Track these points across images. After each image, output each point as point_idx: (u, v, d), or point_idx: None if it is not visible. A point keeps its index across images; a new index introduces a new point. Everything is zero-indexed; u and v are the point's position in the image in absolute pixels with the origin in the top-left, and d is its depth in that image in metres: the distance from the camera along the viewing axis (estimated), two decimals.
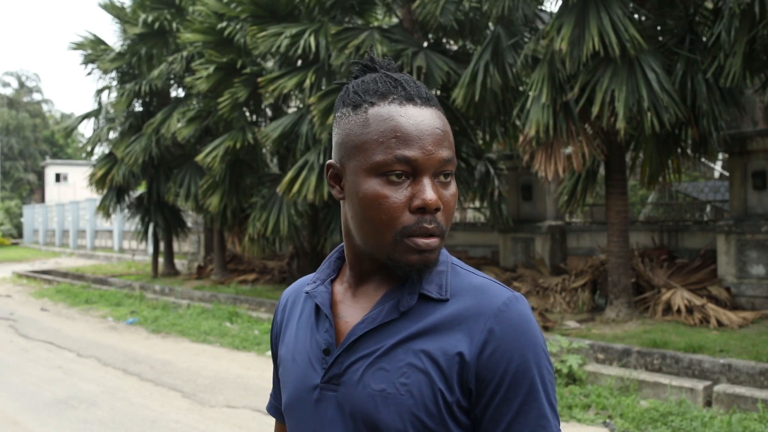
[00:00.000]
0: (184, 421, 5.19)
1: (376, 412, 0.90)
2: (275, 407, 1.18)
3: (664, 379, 5.43)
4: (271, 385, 5.13)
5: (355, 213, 0.93)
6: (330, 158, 1.03)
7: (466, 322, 0.91)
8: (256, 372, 6.75)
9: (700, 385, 5.27)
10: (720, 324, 7.08)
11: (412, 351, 0.90)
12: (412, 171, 0.89)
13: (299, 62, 10.07)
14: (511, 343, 0.89)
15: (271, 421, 5.13)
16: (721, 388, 5.16)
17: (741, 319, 7.10)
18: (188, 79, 11.46)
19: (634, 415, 4.84)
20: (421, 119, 0.90)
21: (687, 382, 5.34)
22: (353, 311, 0.98)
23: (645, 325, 7.26)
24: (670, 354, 5.83)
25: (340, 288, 1.03)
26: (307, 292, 1.04)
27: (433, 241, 0.90)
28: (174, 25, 12.97)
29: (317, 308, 1.02)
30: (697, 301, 7.39)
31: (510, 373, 0.88)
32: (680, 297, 7.51)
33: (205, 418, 5.26)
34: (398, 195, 0.89)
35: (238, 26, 10.59)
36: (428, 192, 0.89)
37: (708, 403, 5.19)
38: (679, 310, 7.44)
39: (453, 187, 0.93)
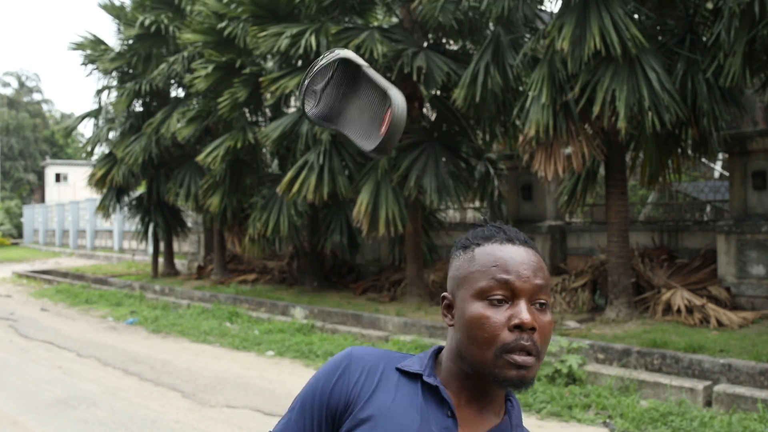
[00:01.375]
0: (184, 421, 5.19)
1: None
2: None
3: (664, 379, 5.43)
4: (271, 384, 5.07)
5: (462, 335, 1.06)
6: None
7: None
8: (256, 372, 6.75)
9: (700, 385, 5.27)
10: (720, 324, 7.08)
11: None
12: (511, 295, 1.03)
13: (299, 62, 10.07)
14: None
15: (272, 421, 5.12)
16: (721, 388, 5.16)
17: (741, 319, 7.10)
18: (187, 78, 11.46)
19: (634, 415, 4.84)
20: (518, 253, 1.07)
21: (687, 382, 5.34)
22: (468, 424, 1.09)
23: (645, 325, 7.26)
24: (670, 354, 5.83)
25: (450, 394, 1.13)
26: (430, 383, 1.10)
27: (529, 359, 1.02)
28: (171, 28, 12.96)
29: (426, 397, 1.09)
30: (697, 301, 7.39)
31: None
32: (680, 297, 7.51)
33: (205, 418, 5.25)
34: (499, 316, 1.03)
35: (239, 26, 10.59)
36: (524, 312, 1.02)
37: (708, 403, 5.19)
38: (679, 310, 7.44)
39: (549, 317, 1.06)
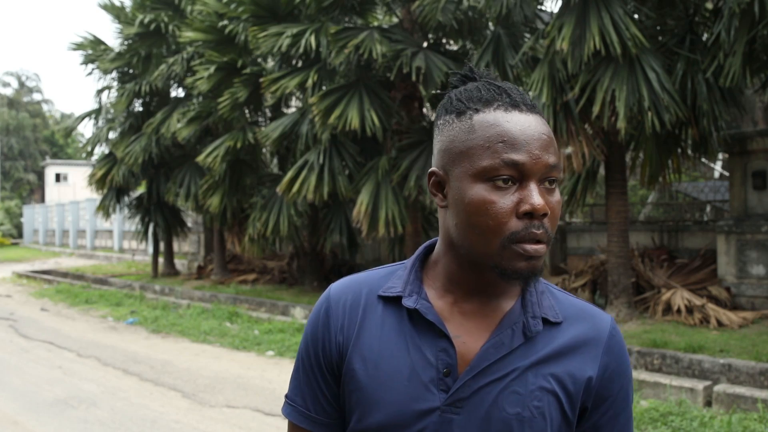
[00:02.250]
0: (184, 421, 5.19)
1: None
2: (311, 419, 1.03)
3: (664, 379, 5.43)
4: (271, 384, 5.09)
5: (460, 220, 0.92)
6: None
7: (586, 346, 0.98)
8: (256, 372, 6.75)
9: (700, 385, 5.27)
10: (720, 324, 7.08)
11: (542, 375, 0.94)
12: (519, 176, 0.89)
13: (300, 62, 10.07)
14: (621, 366, 1.00)
15: (272, 421, 5.13)
16: (721, 388, 5.16)
17: (741, 319, 7.10)
18: (189, 80, 11.46)
19: (634, 415, 4.84)
20: (528, 125, 0.90)
21: (687, 382, 5.34)
22: (467, 331, 0.96)
23: (645, 325, 7.26)
24: (670, 354, 5.83)
25: (440, 303, 0.98)
26: (409, 307, 0.97)
27: (540, 247, 0.89)
28: (170, 27, 12.96)
29: (414, 321, 0.97)
30: (697, 301, 7.39)
31: (621, 392, 1.00)
32: (680, 297, 7.51)
33: (205, 418, 5.26)
34: (505, 200, 0.89)
35: (239, 26, 10.59)
36: (536, 197, 0.88)
37: (708, 403, 5.19)
38: (679, 310, 7.44)
39: (558, 195, 0.93)
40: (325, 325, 1.03)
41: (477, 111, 0.92)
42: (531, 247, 0.89)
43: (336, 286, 1.07)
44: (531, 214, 0.88)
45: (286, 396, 1.07)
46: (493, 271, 0.91)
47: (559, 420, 0.94)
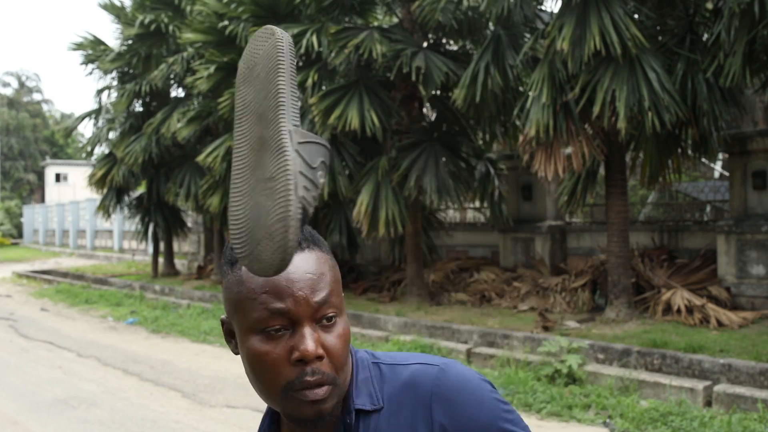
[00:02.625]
0: (184, 421, 5.19)
1: None
2: None
3: (664, 379, 5.43)
4: None
5: (247, 371, 0.91)
6: None
7: (413, 417, 0.91)
8: None
9: (700, 385, 5.27)
10: (720, 324, 7.07)
11: None
12: (290, 323, 0.87)
13: (300, 62, 10.07)
14: (464, 414, 0.90)
15: None
16: (721, 388, 5.16)
17: (741, 319, 7.10)
18: (189, 80, 11.46)
19: (634, 415, 4.84)
20: (291, 268, 0.87)
21: (687, 382, 5.34)
22: None
23: (645, 325, 7.26)
24: (670, 354, 5.83)
25: None
26: None
27: (321, 391, 0.87)
28: (171, 27, 12.96)
29: None
30: (697, 301, 7.39)
31: None
32: (680, 297, 7.51)
33: (205, 418, 5.25)
34: (278, 349, 0.87)
35: (240, 26, 10.59)
36: (307, 342, 0.86)
37: (708, 403, 5.19)
38: (679, 310, 7.43)
39: (339, 328, 0.90)
40: None
41: None
42: (311, 393, 0.87)
43: None
44: (303, 360, 0.86)
45: None
46: (286, 419, 0.91)
47: None
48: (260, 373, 0.88)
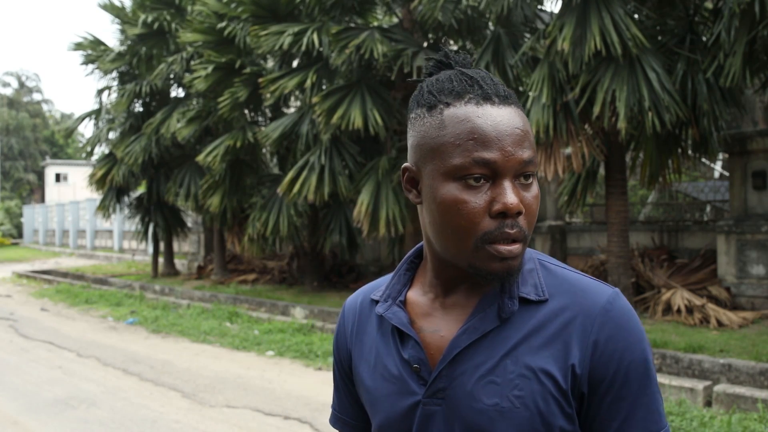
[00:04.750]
0: (184, 421, 5.19)
1: (491, 428, 0.87)
2: (342, 420, 1.11)
3: (664, 379, 5.43)
4: (271, 384, 5.09)
5: (433, 219, 0.89)
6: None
7: (572, 325, 0.89)
8: (256, 372, 6.75)
9: (700, 385, 5.27)
10: (720, 324, 7.08)
11: (522, 361, 0.88)
12: (492, 174, 0.85)
13: (300, 62, 10.07)
14: (620, 342, 0.88)
15: (272, 421, 5.13)
16: (721, 388, 5.16)
17: (741, 319, 7.10)
18: (187, 78, 11.47)
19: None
20: (500, 119, 0.86)
21: (687, 382, 5.34)
22: (446, 323, 0.94)
23: (645, 325, 7.26)
24: (670, 354, 5.83)
25: (424, 299, 0.98)
26: (378, 314, 0.99)
27: (515, 248, 0.86)
28: (173, 25, 12.98)
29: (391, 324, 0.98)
30: (697, 301, 7.39)
31: (621, 372, 0.87)
32: (680, 297, 7.51)
33: (205, 418, 5.25)
34: (478, 199, 0.85)
35: (239, 26, 10.60)
36: (509, 195, 0.84)
37: (708, 403, 5.19)
38: (679, 310, 7.44)
39: (535, 189, 0.88)
40: (341, 332, 1.09)
41: (448, 105, 0.88)
42: (505, 248, 0.85)
43: (353, 297, 1.10)
44: (504, 214, 0.84)
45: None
46: (468, 271, 0.89)
47: (549, 410, 0.86)
48: (455, 220, 0.85)
